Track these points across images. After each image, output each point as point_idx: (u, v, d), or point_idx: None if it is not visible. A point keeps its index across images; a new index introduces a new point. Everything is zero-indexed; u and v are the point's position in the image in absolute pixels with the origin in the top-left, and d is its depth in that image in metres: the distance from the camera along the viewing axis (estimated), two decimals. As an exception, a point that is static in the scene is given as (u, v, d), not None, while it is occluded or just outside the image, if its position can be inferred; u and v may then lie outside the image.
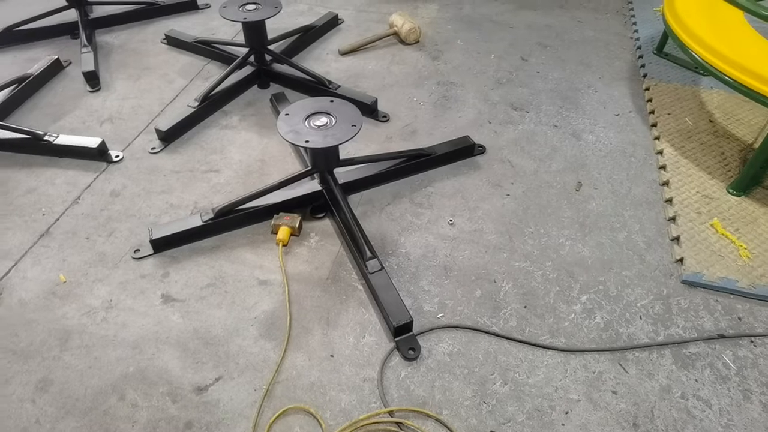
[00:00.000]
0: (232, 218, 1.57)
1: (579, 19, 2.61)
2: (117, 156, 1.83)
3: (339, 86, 2.04)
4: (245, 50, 2.10)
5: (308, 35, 2.37)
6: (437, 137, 1.91)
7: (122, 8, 2.55)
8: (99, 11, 2.58)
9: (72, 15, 2.44)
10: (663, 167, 1.78)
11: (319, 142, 1.41)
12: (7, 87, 2.04)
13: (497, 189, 1.73)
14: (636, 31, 2.50)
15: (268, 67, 2.14)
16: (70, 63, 2.31)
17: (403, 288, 1.44)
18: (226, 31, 2.51)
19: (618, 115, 2.03)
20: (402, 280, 1.46)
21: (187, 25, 2.54)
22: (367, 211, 1.66)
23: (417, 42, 2.41)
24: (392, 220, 1.63)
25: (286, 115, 1.49)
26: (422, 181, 1.76)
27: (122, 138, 1.92)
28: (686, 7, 1.87)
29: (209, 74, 2.23)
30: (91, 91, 2.14)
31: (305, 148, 1.59)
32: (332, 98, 1.54)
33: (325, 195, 1.62)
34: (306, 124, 1.46)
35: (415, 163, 1.75)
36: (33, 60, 2.30)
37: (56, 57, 2.25)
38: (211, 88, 1.97)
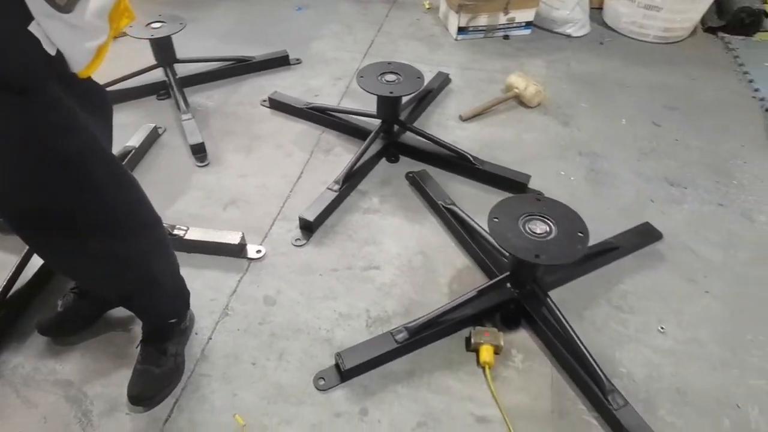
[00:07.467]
0: (425, 336, 1.35)
1: (692, 77, 2.49)
2: (258, 251, 1.60)
3: (484, 162, 1.85)
4: (368, 120, 1.91)
5: (425, 99, 2.19)
6: (606, 222, 1.72)
7: (212, 65, 2.33)
8: (183, 69, 2.35)
9: (157, 74, 2.22)
10: None
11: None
12: (110, 165, 1.80)
13: (693, 286, 1.56)
14: (757, 90, 2.40)
15: (397, 140, 1.95)
16: (165, 130, 2.08)
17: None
18: (329, 92, 2.30)
19: (783, 190, 1.90)
20: (637, 410, 1.26)
21: (284, 85, 2.33)
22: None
23: (539, 105, 2.25)
24: (597, 329, 1.44)
25: (495, 219, 1.30)
26: (611, 277, 1.57)
27: (255, 227, 1.69)
28: None
29: (329, 145, 2.02)
30: (200, 166, 1.91)
31: (501, 251, 1.39)
32: (539, 196, 1.35)
33: (524, 304, 1.42)
34: (522, 226, 1.27)
35: (603, 257, 1.58)
36: (123, 126, 2.06)
37: (154, 125, 2.01)
38: (350, 168, 1.77)
